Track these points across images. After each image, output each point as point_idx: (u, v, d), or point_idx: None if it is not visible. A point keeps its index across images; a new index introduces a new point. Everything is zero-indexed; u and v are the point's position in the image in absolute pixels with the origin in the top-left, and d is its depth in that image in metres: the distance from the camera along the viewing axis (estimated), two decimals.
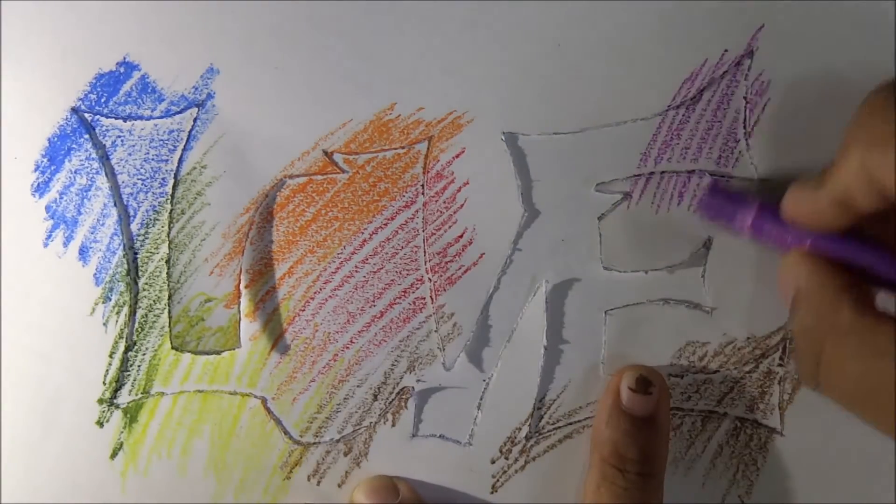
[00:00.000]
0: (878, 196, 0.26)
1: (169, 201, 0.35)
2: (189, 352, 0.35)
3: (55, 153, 0.34)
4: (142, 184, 0.35)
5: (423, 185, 0.36)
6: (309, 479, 0.37)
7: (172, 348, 0.35)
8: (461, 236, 0.36)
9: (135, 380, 0.35)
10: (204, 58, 0.34)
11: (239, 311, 0.36)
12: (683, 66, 0.35)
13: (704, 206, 0.34)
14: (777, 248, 0.32)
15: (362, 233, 0.36)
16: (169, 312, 0.35)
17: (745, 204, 0.33)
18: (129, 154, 0.34)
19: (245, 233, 0.35)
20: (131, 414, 0.36)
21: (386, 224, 0.36)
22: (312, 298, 0.36)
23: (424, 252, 0.36)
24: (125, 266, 0.35)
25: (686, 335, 0.37)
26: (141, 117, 0.34)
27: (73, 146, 0.34)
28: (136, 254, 0.35)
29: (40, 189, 0.34)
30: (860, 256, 0.30)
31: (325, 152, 0.35)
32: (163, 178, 0.35)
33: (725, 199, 0.33)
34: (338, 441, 0.37)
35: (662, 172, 0.36)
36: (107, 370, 0.35)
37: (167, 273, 0.35)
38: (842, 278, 0.29)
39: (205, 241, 0.35)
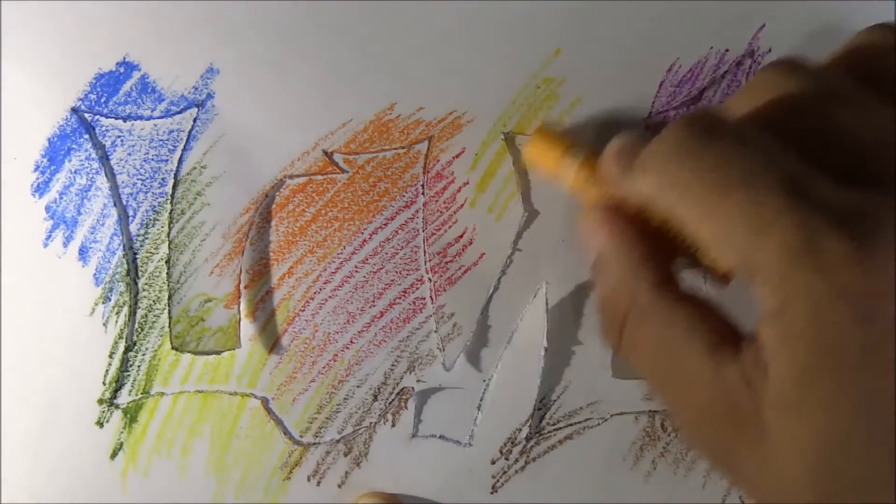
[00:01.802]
0: (671, 216, 0.26)
1: (169, 201, 0.35)
2: (189, 352, 0.35)
3: (55, 153, 0.34)
4: (141, 184, 0.35)
5: (423, 185, 0.36)
6: (309, 480, 0.37)
7: (172, 348, 0.35)
8: (461, 236, 0.36)
9: (135, 380, 0.35)
10: (204, 58, 0.34)
11: (239, 312, 0.36)
12: (684, 65, 0.35)
13: (529, 149, 0.33)
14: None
15: (362, 233, 0.36)
16: (169, 313, 0.35)
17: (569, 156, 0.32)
18: (129, 154, 0.34)
19: (245, 233, 0.35)
20: (131, 414, 0.36)
21: (386, 224, 0.36)
22: (312, 298, 0.36)
23: (424, 252, 0.36)
24: (125, 266, 0.35)
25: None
26: (141, 117, 0.34)
27: (73, 146, 0.34)
28: (135, 254, 0.35)
29: (40, 189, 0.34)
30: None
31: (325, 152, 0.35)
32: (163, 179, 0.35)
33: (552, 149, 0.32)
34: (338, 441, 0.37)
35: None
36: (107, 370, 0.35)
37: (167, 273, 0.35)
38: (642, 247, 0.28)
39: (205, 242, 0.35)
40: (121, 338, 0.35)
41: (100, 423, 0.36)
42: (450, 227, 0.36)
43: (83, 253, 0.35)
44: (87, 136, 0.34)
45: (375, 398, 0.37)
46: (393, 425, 0.37)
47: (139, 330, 0.35)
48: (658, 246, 0.28)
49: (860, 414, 0.22)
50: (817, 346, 0.22)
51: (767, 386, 0.23)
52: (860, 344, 0.22)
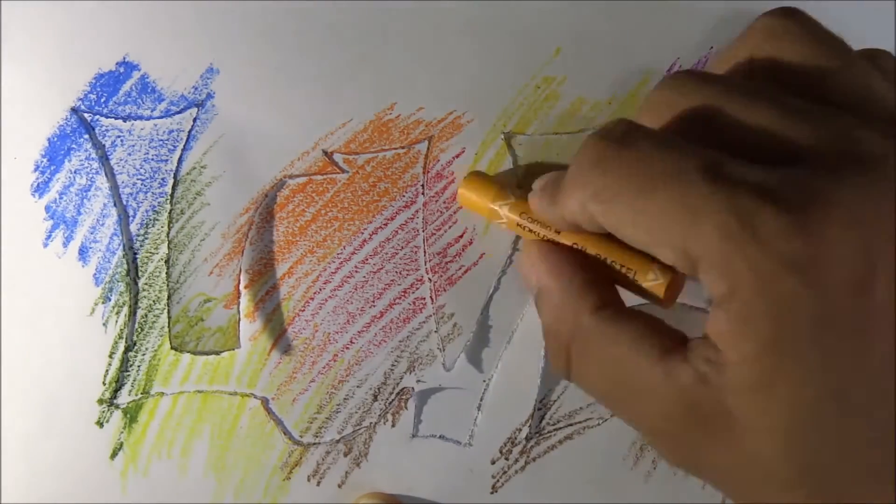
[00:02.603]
0: (603, 229, 0.26)
1: (168, 201, 0.35)
2: (188, 352, 0.35)
3: (55, 153, 0.34)
4: (141, 184, 0.35)
5: (423, 185, 0.36)
6: (309, 480, 0.37)
7: (172, 348, 0.35)
8: (461, 236, 0.36)
9: (135, 380, 0.35)
10: (204, 58, 0.34)
11: (238, 312, 0.36)
12: (684, 66, 0.35)
13: (462, 196, 0.34)
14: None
15: (362, 233, 0.36)
16: (168, 313, 0.35)
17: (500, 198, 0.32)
18: (129, 154, 0.34)
19: (245, 233, 0.35)
20: (131, 414, 0.36)
21: (386, 224, 0.36)
22: (312, 298, 0.36)
23: (424, 252, 0.36)
24: (125, 266, 0.35)
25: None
26: (141, 117, 0.34)
27: (73, 146, 0.34)
28: (135, 254, 0.35)
29: (40, 189, 0.34)
30: (598, 247, 0.29)
31: (325, 152, 0.35)
32: (162, 178, 0.35)
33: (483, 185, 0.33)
34: (338, 441, 0.37)
35: None
36: (107, 370, 0.35)
37: (167, 273, 0.35)
38: (581, 275, 0.28)
39: (204, 242, 0.35)
40: (121, 338, 0.35)
41: (100, 423, 0.36)
42: (450, 227, 0.36)
43: (83, 253, 0.35)
44: (86, 136, 0.34)
45: (375, 398, 0.37)
46: (393, 425, 0.37)
47: (139, 330, 0.35)
48: (596, 274, 0.29)
49: (825, 381, 0.22)
50: (772, 320, 0.22)
51: (726, 375, 0.23)
52: (813, 312, 0.22)
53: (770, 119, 0.25)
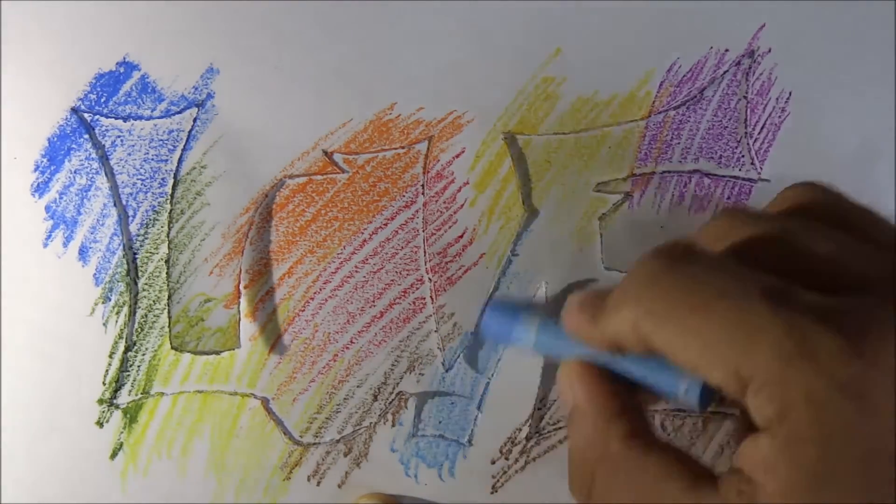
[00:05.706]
0: (649, 350, 0.25)
1: (168, 201, 0.35)
2: (188, 352, 0.35)
3: (55, 153, 0.34)
4: (141, 184, 0.35)
5: (423, 185, 0.36)
6: (309, 480, 0.37)
7: (172, 348, 0.35)
8: (461, 236, 0.36)
9: (134, 380, 0.35)
10: (204, 58, 0.34)
11: (238, 312, 0.36)
12: (684, 65, 0.35)
13: (485, 326, 0.31)
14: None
15: (362, 233, 0.36)
16: (168, 313, 0.35)
17: (525, 322, 0.30)
18: (129, 154, 0.34)
19: (245, 233, 0.35)
20: (131, 414, 0.36)
21: (386, 224, 0.36)
22: (312, 298, 0.36)
23: (424, 252, 0.36)
24: (125, 266, 0.35)
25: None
26: (141, 117, 0.34)
27: (73, 146, 0.34)
28: (135, 254, 0.35)
29: (40, 189, 0.34)
30: (640, 370, 0.28)
31: (325, 152, 0.35)
32: (162, 178, 0.35)
33: (506, 317, 0.30)
34: (338, 441, 0.37)
35: (663, 172, 0.36)
36: (107, 370, 0.35)
37: (167, 273, 0.35)
38: (615, 402, 0.28)
39: (204, 241, 0.35)
40: (121, 338, 0.35)
41: (100, 423, 0.36)
42: (450, 227, 0.36)
43: (83, 253, 0.35)
44: (87, 136, 0.34)
45: (375, 398, 0.37)
46: (393, 425, 0.37)
47: (139, 330, 0.35)
48: (632, 395, 0.28)
49: None
50: (821, 448, 0.21)
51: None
52: (866, 443, 0.21)
53: (828, 250, 0.25)
